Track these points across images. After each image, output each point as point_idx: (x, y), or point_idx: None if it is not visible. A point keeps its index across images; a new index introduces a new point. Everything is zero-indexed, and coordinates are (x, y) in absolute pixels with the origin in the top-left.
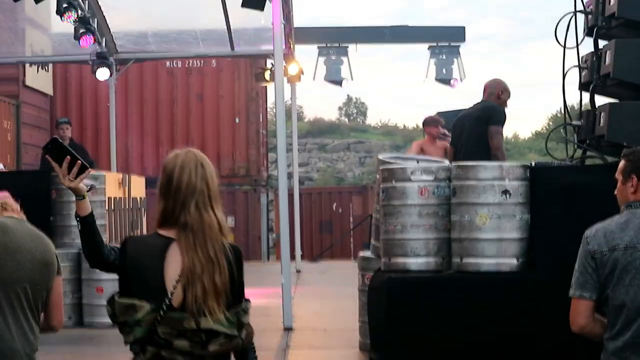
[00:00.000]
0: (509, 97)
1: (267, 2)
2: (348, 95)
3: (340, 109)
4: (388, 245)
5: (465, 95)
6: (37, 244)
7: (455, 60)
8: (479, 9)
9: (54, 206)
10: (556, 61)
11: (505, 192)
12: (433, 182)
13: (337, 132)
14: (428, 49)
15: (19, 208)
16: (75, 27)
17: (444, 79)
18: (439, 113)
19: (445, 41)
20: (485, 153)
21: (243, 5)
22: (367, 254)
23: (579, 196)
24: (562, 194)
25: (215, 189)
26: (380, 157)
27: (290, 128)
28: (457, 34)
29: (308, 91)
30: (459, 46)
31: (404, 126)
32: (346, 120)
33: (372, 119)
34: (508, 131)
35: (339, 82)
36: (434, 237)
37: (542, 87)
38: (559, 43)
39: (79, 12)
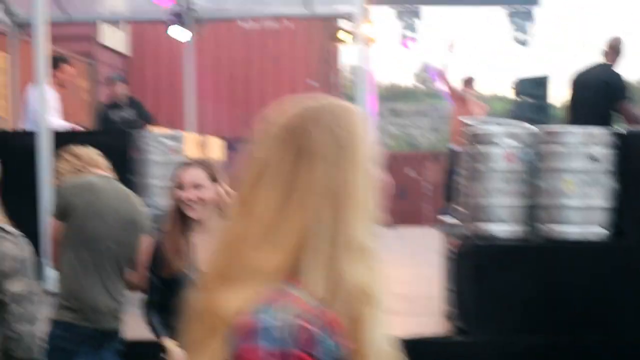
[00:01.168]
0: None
1: None
2: (424, 63)
3: (415, 75)
4: (472, 210)
5: (543, 59)
6: (124, 203)
7: (530, 23)
8: None
9: (135, 164)
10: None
11: (593, 158)
12: (519, 147)
13: (411, 97)
14: (504, 12)
15: (107, 165)
16: None
17: (520, 41)
18: (520, 80)
19: (520, 4)
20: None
21: None
22: (448, 218)
23: None
24: None
25: None
26: (464, 120)
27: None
28: None
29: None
30: (533, 7)
31: (480, 93)
32: (421, 86)
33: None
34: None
35: (412, 43)
36: (519, 203)
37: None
38: None
39: None
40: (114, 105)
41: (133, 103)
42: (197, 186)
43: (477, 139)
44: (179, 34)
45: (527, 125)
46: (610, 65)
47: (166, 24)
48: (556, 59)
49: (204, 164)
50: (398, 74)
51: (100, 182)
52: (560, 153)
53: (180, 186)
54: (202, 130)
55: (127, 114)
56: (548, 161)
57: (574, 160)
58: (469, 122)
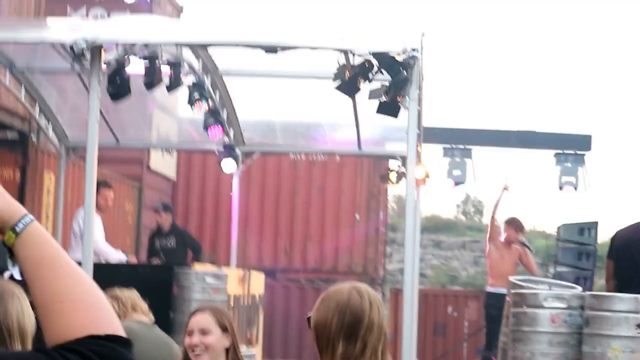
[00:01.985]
0: None
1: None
2: (466, 194)
3: (458, 206)
4: None
5: (590, 206)
6: (163, 352)
7: (580, 168)
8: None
9: (175, 302)
10: None
11: None
12: (565, 310)
13: (453, 229)
14: (554, 155)
15: (147, 308)
16: (204, 117)
17: (568, 187)
18: (563, 225)
19: (571, 149)
20: None
21: (378, 111)
22: None
23: None
24: None
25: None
26: (512, 279)
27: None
28: (583, 141)
29: (426, 187)
30: (584, 154)
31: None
32: (463, 218)
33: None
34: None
35: (460, 183)
36: None
37: None
38: None
39: (210, 102)
40: (159, 233)
41: (177, 232)
42: (203, 332)
43: (524, 299)
44: (227, 166)
45: (574, 287)
46: None
47: (216, 154)
48: (607, 204)
49: (214, 311)
50: (440, 204)
51: (140, 329)
52: (608, 318)
53: (189, 332)
54: (244, 259)
55: (170, 242)
56: (594, 326)
57: (621, 327)
58: (517, 281)
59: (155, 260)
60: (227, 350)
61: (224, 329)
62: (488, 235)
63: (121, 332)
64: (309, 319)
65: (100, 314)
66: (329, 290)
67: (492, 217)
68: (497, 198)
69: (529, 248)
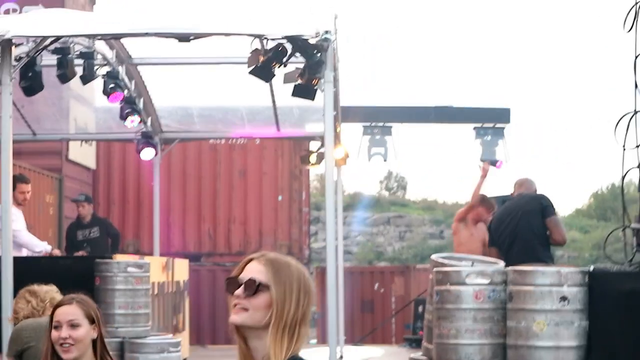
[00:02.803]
0: None
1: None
2: (389, 170)
3: (381, 182)
4: (441, 349)
5: (511, 178)
6: None
7: (500, 141)
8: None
9: (98, 293)
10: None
11: (564, 298)
12: (488, 286)
13: (377, 205)
14: (473, 129)
15: None
16: (121, 107)
17: (489, 160)
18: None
19: (490, 122)
20: (543, 247)
21: (293, 94)
22: (419, 355)
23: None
24: (621, 300)
25: None
26: (434, 257)
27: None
28: (502, 115)
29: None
30: (504, 128)
31: (444, 202)
32: (386, 194)
33: (412, 194)
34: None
35: (382, 160)
36: (489, 342)
37: (585, 165)
38: (619, 144)
39: (125, 92)
40: (80, 225)
41: (99, 222)
42: (72, 325)
43: (447, 277)
44: (146, 154)
45: (497, 262)
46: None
47: (134, 142)
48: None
49: (80, 302)
50: (363, 182)
51: None
52: (531, 293)
53: (56, 325)
54: (168, 246)
55: (94, 233)
56: (518, 301)
57: (545, 301)
58: (436, 259)
59: (79, 252)
60: (94, 342)
61: (92, 321)
62: (459, 216)
63: None
64: None
65: None
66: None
67: (472, 203)
68: (477, 183)
69: None
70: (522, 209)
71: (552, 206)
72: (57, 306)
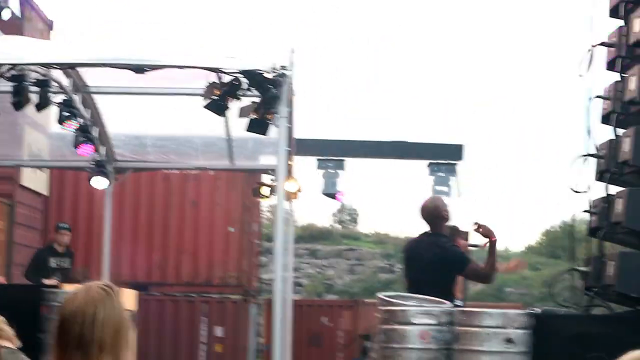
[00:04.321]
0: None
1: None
2: (341, 203)
3: (334, 215)
4: None
5: (462, 213)
6: None
7: (452, 177)
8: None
9: (44, 323)
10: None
11: (509, 340)
12: (435, 326)
13: (329, 238)
14: (427, 166)
15: (12, 334)
16: (75, 135)
17: (441, 195)
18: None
19: (443, 159)
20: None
21: (248, 129)
22: None
23: (585, 346)
24: (567, 343)
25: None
26: (381, 295)
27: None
28: (455, 152)
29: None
30: (456, 164)
31: (396, 236)
32: (339, 227)
33: (365, 227)
34: (499, 245)
35: (333, 195)
36: None
37: (537, 202)
38: (571, 188)
39: (80, 120)
40: (54, 252)
41: (71, 254)
42: None
43: (393, 316)
44: (98, 182)
45: (444, 303)
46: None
47: (88, 171)
48: (478, 211)
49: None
50: (315, 214)
51: (4, 356)
52: (477, 334)
53: None
54: (117, 275)
55: (65, 263)
56: (464, 342)
57: (491, 343)
58: (384, 297)
59: (50, 279)
60: None
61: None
62: None
63: None
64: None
65: None
66: None
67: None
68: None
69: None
70: (425, 260)
71: (462, 258)
72: None
